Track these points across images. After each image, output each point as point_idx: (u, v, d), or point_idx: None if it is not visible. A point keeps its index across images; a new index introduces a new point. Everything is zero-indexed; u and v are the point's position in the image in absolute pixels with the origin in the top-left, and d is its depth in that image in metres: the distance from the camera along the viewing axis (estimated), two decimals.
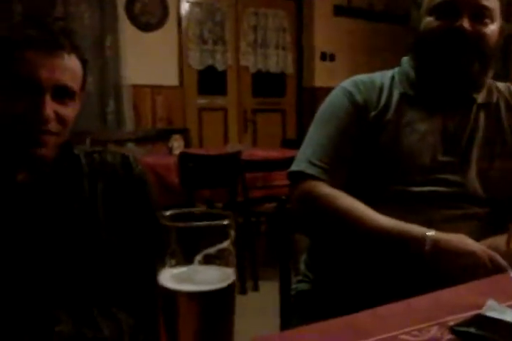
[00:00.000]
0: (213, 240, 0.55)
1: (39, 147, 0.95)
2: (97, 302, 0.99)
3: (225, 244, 0.56)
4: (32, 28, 0.96)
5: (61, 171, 1.02)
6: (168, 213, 0.58)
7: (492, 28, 1.21)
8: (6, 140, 0.95)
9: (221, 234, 0.56)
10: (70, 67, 0.96)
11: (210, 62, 5.01)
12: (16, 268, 0.93)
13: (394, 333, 0.77)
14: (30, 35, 0.93)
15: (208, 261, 0.55)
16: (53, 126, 0.94)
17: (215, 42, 5.03)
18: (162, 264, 0.55)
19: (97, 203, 1.03)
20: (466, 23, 1.17)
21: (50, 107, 0.93)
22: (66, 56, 0.95)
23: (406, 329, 0.78)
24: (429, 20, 1.23)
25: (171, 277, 0.55)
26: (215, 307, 0.55)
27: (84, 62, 1.01)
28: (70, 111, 0.97)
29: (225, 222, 0.56)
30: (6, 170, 0.97)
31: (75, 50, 0.98)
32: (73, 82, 0.97)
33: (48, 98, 0.93)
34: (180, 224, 0.55)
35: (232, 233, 0.57)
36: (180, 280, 0.54)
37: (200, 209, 0.60)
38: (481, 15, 1.20)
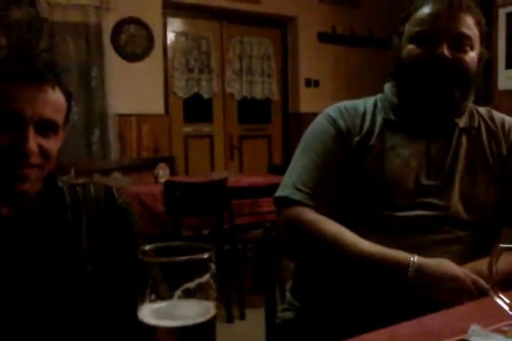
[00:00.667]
0: (193, 274, 0.55)
1: (22, 181, 0.94)
2: (86, 338, 0.97)
3: (206, 278, 0.56)
4: (16, 62, 0.97)
5: (45, 204, 1.01)
6: (148, 247, 0.58)
7: (472, 55, 1.24)
8: None
9: (201, 267, 0.56)
10: (53, 101, 0.96)
11: (195, 90, 5.05)
12: (1, 304, 0.92)
13: None
14: (14, 70, 0.94)
15: (188, 295, 0.55)
16: (36, 159, 0.94)
17: (200, 71, 5.07)
18: (142, 299, 0.55)
19: (81, 236, 1.02)
20: (445, 51, 1.20)
21: (34, 141, 0.93)
22: (50, 90, 0.95)
23: None
24: (410, 47, 1.26)
25: (150, 312, 0.55)
26: None
27: (68, 96, 1.01)
28: (53, 144, 0.97)
29: (206, 256, 0.56)
30: None
31: (59, 83, 0.98)
32: (57, 116, 0.97)
33: (31, 132, 0.92)
34: (161, 259, 0.55)
35: (213, 266, 0.57)
36: (159, 315, 0.54)
37: (180, 242, 0.60)
38: (461, 43, 1.23)
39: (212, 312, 0.57)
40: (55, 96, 0.97)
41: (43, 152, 0.95)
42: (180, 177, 3.99)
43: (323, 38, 5.63)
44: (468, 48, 1.24)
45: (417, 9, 1.27)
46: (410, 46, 1.25)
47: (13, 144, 0.92)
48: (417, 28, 1.25)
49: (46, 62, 0.99)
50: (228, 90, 5.29)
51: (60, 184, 1.05)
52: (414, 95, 1.26)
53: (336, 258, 1.15)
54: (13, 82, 0.92)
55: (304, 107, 5.55)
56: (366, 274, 1.12)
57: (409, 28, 1.27)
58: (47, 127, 0.95)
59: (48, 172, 1.00)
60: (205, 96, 5.12)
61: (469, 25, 1.24)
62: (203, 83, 5.08)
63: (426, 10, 1.24)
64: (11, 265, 0.95)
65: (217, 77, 5.18)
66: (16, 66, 0.95)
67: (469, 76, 1.25)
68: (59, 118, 0.98)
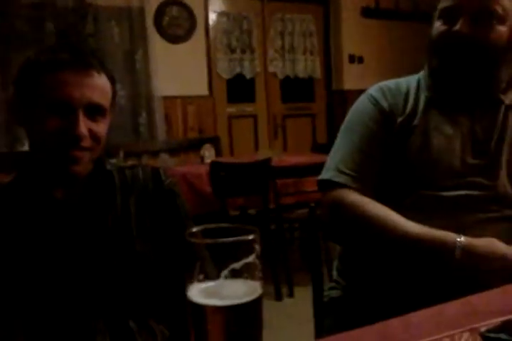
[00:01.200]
0: (239, 255, 0.57)
1: (74, 163, 0.98)
2: (134, 314, 1.02)
3: (251, 258, 0.58)
4: (63, 49, 1.00)
5: (94, 187, 1.05)
6: (195, 229, 0.60)
7: (501, 30, 1.19)
8: (42, 158, 0.99)
9: (247, 248, 0.58)
10: (100, 85, 0.99)
11: (238, 70, 5.05)
12: (56, 281, 0.97)
13: (425, 340, 0.78)
14: (62, 58, 0.97)
15: (234, 275, 0.57)
16: (87, 142, 0.98)
17: (242, 51, 5.07)
18: (191, 279, 0.58)
19: (130, 217, 1.06)
20: (462, 27, 1.17)
21: (84, 125, 0.96)
22: (96, 75, 0.99)
23: (437, 336, 0.79)
24: (436, 25, 1.24)
25: (199, 292, 0.57)
26: (243, 320, 0.57)
27: (113, 80, 1.04)
28: (101, 127, 1.01)
29: (251, 237, 0.58)
30: (44, 187, 1.02)
31: (104, 68, 1.01)
32: (104, 100, 1.00)
33: (81, 116, 0.96)
34: (208, 241, 0.57)
35: (258, 247, 0.58)
36: (208, 294, 0.56)
37: (226, 224, 0.62)
38: (485, 17, 1.18)
39: (259, 291, 0.58)
40: (101, 80, 1.00)
41: (93, 135, 0.99)
42: (225, 158, 4.03)
43: (366, 12, 5.51)
44: (495, 22, 1.19)
45: None
46: (437, 23, 1.23)
47: (65, 129, 0.96)
48: (442, 4, 1.22)
49: (91, 49, 1.02)
50: (271, 69, 5.27)
51: (108, 167, 1.09)
52: (441, 73, 1.24)
53: (381, 240, 1.14)
54: (62, 70, 0.96)
55: (348, 84, 5.47)
56: (412, 255, 1.11)
57: (439, 5, 1.25)
58: (95, 111, 0.99)
59: (97, 156, 1.04)
60: (248, 76, 5.12)
61: None
62: (245, 63, 5.08)
63: None
64: (64, 245, 1.00)
65: (259, 57, 5.17)
66: (64, 54, 0.98)
67: (495, 51, 1.20)
68: (106, 102, 1.01)
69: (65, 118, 0.96)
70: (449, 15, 1.21)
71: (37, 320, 0.95)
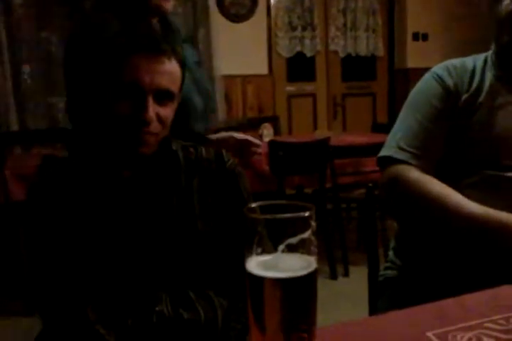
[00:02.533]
0: (296, 230, 0.59)
1: (141, 146, 1.01)
2: (194, 285, 1.06)
3: (307, 234, 0.60)
4: (134, 33, 1.01)
5: (160, 166, 1.09)
6: (254, 205, 0.63)
7: None
8: (112, 140, 1.03)
9: (303, 224, 0.60)
10: (170, 71, 1.01)
11: (298, 48, 5.01)
12: (122, 253, 1.02)
13: (479, 321, 0.78)
14: (134, 42, 0.98)
15: (291, 249, 0.59)
16: (154, 126, 1.01)
17: (303, 29, 5.01)
18: (249, 252, 0.61)
19: (193, 196, 1.09)
20: None
21: (152, 110, 0.99)
22: (167, 61, 1.00)
23: (492, 318, 0.79)
24: (506, 2, 1.20)
25: (257, 264, 0.60)
26: (298, 292, 0.60)
27: (183, 65, 1.06)
28: (168, 112, 1.03)
29: (307, 214, 0.60)
30: (113, 167, 1.06)
31: (175, 54, 1.03)
32: (173, 85, 1.02)
33: (150, 101, 0.99)
34: (266, 216, 0.60)
35: (313, 224, 0.61)
36: (265, 267, 0.59)
37: (283, 201, 0.64)
38: None
39: (314, 265, 0.61)
40: (171, 66, 1.01)
41: (160, 119, 1.01)
42: (284, 137, 4.04)
43: None
44: None
45: None
46: (505, 1, 1.20)
47: (135, 113, 0.98)
48: None
49: (163, 33, 1.03)
50: (332, 47, 5.20)
51: (174, 147, 1.12)
52: (510, 51, 1.21)
53: (440, 219, 1.14)
54: (135, 55, 0.97)
55: (412, 63, 5.33)
56: (471, 236, 1.10)
57: None
58: (164, 96, 1.01)
59: (163, 137, 1.06)
60: (308, 54, 5.07)
61: None
62: (306, 41, 5.03)
63: None
64: (130, 221, 1.04)
65: (320, 35, 5.10)
66: (136, 38, 0.99)
67: None
68: (175, 87, 1.03)
69: (134, 103, 0.98)
70: None
71: (103, 289, 1.01)
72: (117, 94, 0.98)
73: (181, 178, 1.10)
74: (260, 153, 1.01)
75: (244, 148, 1.11)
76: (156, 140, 1.04)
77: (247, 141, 1.14)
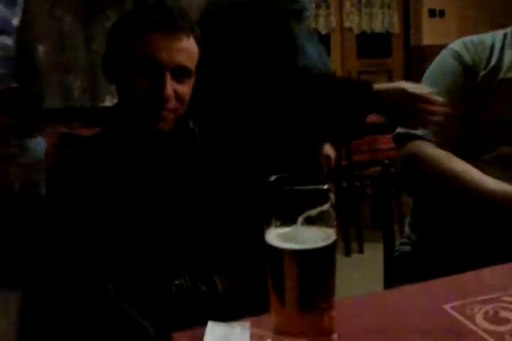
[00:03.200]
0: (315, 203, 0.60)
1: (159, 122, 1.03)
2: (212, 259, 1.08)
3: (326, 207, 0.60)
4: (154, 11, 1.02)
5: (176, 143, 1.10)
6: (274, 178, 0.63)
7: None
8: (130, 116, 1.04)
9: (322, 197, 0.60)
10: (188, 48, 1.02)
11: (313, 26, 4.93)
12: (141, 228, 1.04)
13: (497, 294, 0.78)
14: (152, 19, 0.99)
15: (309, 222, 0.60)
16: (172, 103, 1.02)
17: (317, 6, 4.94)
18: (268, 224, 0.61)
19: (210, 171, 1.10)
20: None
21: (170, 86, 1.00)
22: (185, 38, 1.01)
23: (509, 291, 0.79)
24: None
25: (276, 236, 0.60)
26: (317, 263, 0.60)
27: (200, 42, 1.06)
28: (186, 89, 1.04)
29: (326, 187, 0.60)
30: (131, 142, 1.07)
31: (193, 31, 1.03)
32: (190, 62, 1.03)
33: (168, 78, 0.99)
34: (286, 188, 0.60)
35: (332, 197, 0.61)
36: (285, 239, 0.60)
37: (302, 175, 0.64)
38: None
39: (333, 237, 0.61)
40: (189, 43, 1.02)
41: (178, 96, 1.02)
42: None
43: None
44: None
45: None
46: None
47: (153, 90, 0.99)
48: None
49: (180, 11, 1.03)
50: (346, 24, 5.12)
51: (191, 125, 1.12)
52: None
53: (458, 196, 1.14)
54: (153, 31, 0.98)
55: (428, 39, 5.24)
56: (489, 211, 1.10)
57: None
58: (181, 73, 1.02)
59: (181, 114, 1.07)
60: (323, 31, 5.00)
61: None
62: (321, 18, 4.96)
63: None
64: (149, 195, 1.06)
65: (334, 12, 5.02)
66: (155, 15, 1.00)
67: None
68: (192, 65, 1.04)
69: (152, 79, 0.99)
70: None
71: (123, 266, 1.02)
72: (136, 71, 0.99)
73: (197, 154, 1.10)
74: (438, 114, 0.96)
75: (414, 106, 1.07)
76: (174, 117, 1.04)
77: (420, 96, 1.09)
